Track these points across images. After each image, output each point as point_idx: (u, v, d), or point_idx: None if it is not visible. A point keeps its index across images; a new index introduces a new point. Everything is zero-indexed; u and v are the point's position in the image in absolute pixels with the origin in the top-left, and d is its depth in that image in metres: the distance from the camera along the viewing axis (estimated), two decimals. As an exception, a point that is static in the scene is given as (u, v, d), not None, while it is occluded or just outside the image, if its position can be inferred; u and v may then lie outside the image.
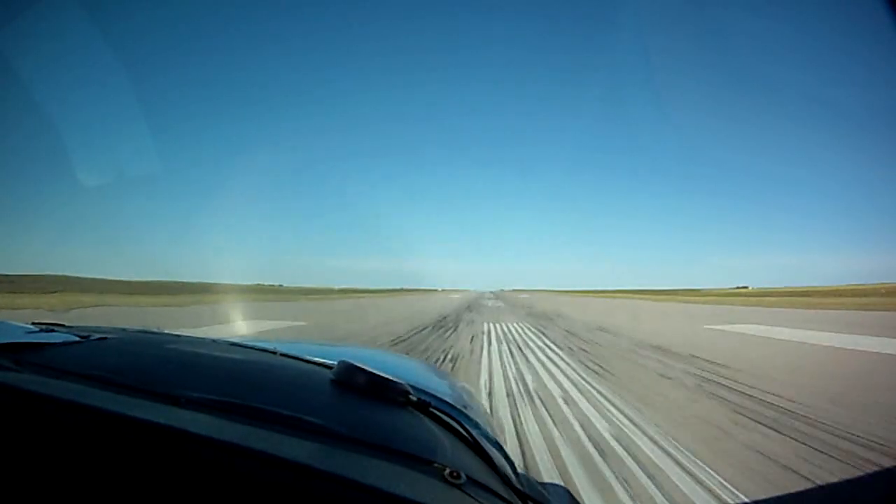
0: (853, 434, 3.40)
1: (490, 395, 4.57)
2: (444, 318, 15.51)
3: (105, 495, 0.39)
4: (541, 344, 8.62)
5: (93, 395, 0.50)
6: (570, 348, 8.04)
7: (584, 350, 7.83)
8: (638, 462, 2.90)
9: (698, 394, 4.75)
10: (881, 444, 3.18)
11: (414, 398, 0.68)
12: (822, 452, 3.03)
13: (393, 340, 8.81)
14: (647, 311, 22.33)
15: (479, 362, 6.48)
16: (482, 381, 5.15)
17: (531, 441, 3.25)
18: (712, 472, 2.70)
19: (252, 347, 0.97)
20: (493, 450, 0.70)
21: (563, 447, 3.16)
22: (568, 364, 6.42)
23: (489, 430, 0.89)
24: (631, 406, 4.20)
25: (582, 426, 3.61)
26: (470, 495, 0.48)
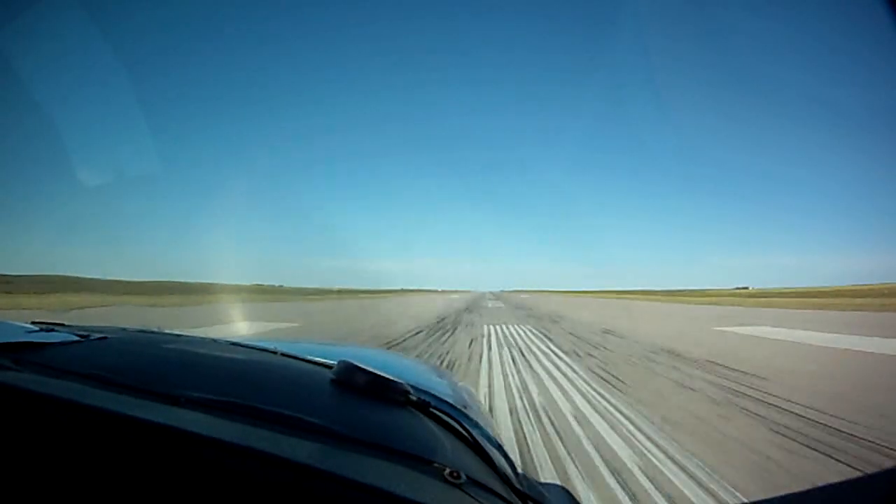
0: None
1: (490, 410, 3.97)
2: (443, 319, 14.98)
3: (105, 495, 0.38)
4: (544, 349, 8.03)
5: (93, 395, 0.50)
6: (576, 353, 7.44)
7: (591, 356, 7.23)
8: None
9: (729, 409, 4.15)
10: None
11: (414, 398, 0.68)
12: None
13: (387, 344, 8.25)
14: (650, 312, 21.74)
15: (478, 371, 5.88)
16: (481, 395, 4.55)
17: (543, 478, 2.65)
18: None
19: (252, 347, 0.96)
20: (493, 450, 0.70)
21: (583, 488, 2.55)
22: (576, 373, 5.82)
23: (489, 430, 0.88)
24: (655, 427, 3.59)
25: (601, 455, 3.01)
26: (470, 495, 0.48)
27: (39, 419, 0.42)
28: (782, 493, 0.54)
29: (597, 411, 4.03)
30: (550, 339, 9.45)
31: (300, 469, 0.41)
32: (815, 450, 3.13)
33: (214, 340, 1.02)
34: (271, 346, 0.95)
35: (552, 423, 3.62)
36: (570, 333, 10.75)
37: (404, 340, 8.97)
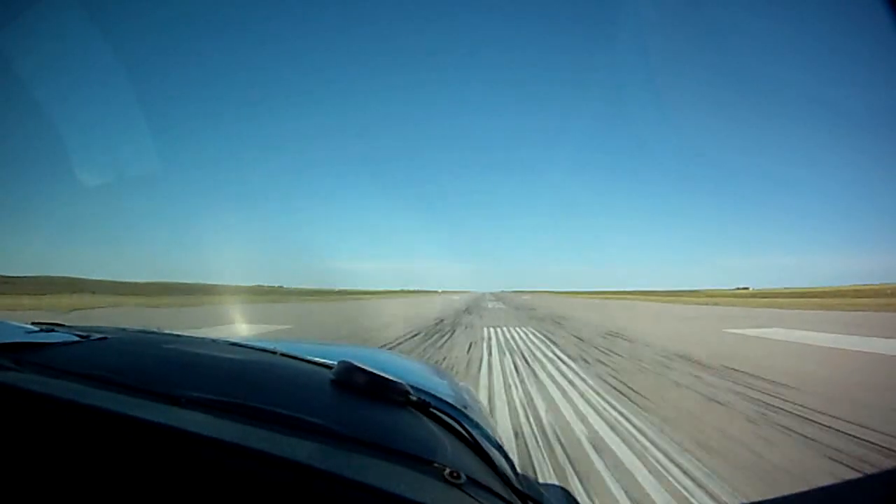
0: None
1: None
2: (441, 321, 14.42)
3: (105, 495, 0.38)
4: (550, 354, 7.42)
5: (93, 395, 0.50)
6: (584, 360, 6.84)
7: (600, 362, 6.63)
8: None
9: (770, 430, 3.54)
10: None
11: (414, 398, 0.68)
12: None
13: (380, 348, 7.66)
14: (653, 313, 21.13)
15: (477, 380, 5.28)
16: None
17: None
18: None
19: (252, 347, 0.96)
20: (493, 450, 0.70)
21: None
22: (585, 382, 5.22)
23: (489, 430, 0.88)
24: (688, 455, 2.99)
25: (630, 497, 2.41)
26: (470, 495, 0.48)
27: (40, 419, 0.42)
28: (782, 493, 0.49)
29: (618, 434, 3.42)
30: (554, 343, 8.85)
31: (300, 469, 0.41)
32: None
33: (214, 341, 1.01)
34: (271, 347, 0.94)
35: (566, 454, 3.01)
36: (575, 336, 10.14)
37: (399, 344, 8.38)
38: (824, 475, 2.67)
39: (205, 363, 0.80)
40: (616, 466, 2.80)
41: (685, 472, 2.71)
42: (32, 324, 0.90)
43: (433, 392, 0.83)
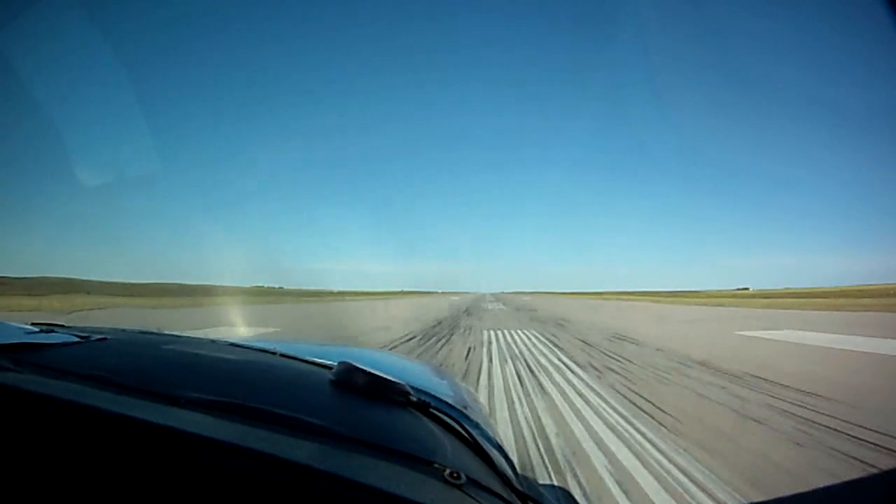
0: None
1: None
2: (439, 323, 13.88)
3: (105, 495, 0.38)
4: (555, 360, 6.84)
5: (93, 396, 0.50)
6: (592, 366, 6.26)
7: (611, 370, 6.04)
8: None
9: (828, 459, 2.96)
10: None
11: (414, 398, 0.68)
12: None
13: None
14: (659, 314, 20.54)
15: (475, 390, 4.70)
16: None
17: None
18: None
19: (252, 348, 0.96)
20: (494, 450, 0.70)
21: None
22: (598, 394, 4.64)
23: (489, 430, 0.86)
24: (738, 496, 2.41)
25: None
26: (470, 496, 0.48)
27: (40, 420, 0.42)
28: (782, 494, 0.51)
29: (643, 464, 2.84)
30: (559, 348, 8.27)
31: (300, 469, 0.41)
32: None
33: (213, 341, 1.02)
34: (271, 347, 0.94)
35: (584, 494, 2.43)
36: (580, 340, 9.56)
37: (394, 348, 7.81)
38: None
39: (204, 364, 0.80)
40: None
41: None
42: (32, 324, 0.90)
43: (433, 392, 0.83)
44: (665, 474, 2.70)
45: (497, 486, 0.55)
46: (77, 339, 0.80)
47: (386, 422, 0.62)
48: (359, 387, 0.67)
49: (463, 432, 0.66)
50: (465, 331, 11.35)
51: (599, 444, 3.21)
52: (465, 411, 0.83)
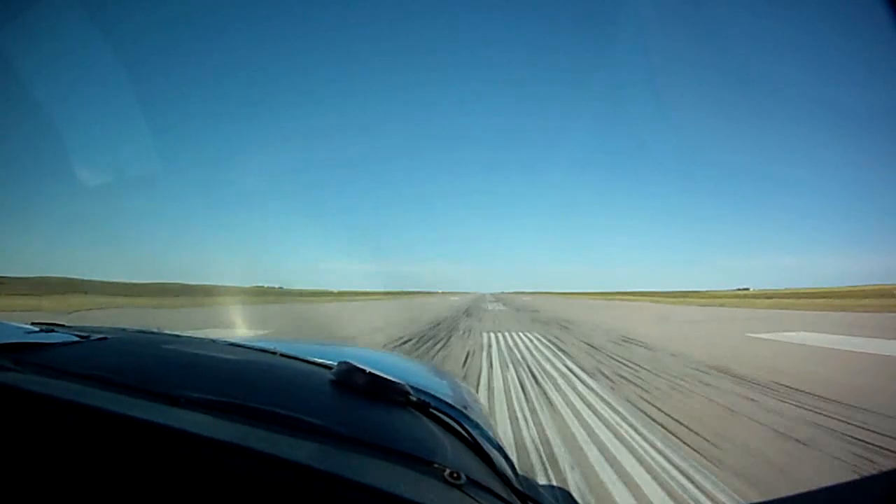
0: None
1: None
2: (437, 325, 13.33)
3: (105, 495, 0.38)
4: (561, 367, 6.27)
5: (93, 395, 0.50)
6: (602, 374, 5.70)
7: (623, 378, 5.48)
8: None
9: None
10: None
11: (414, 398, 0.68)
12: None
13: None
14: (663, 315, 19.98)
15: (474, 406, 4.13)
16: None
17: None
18: None
19: (252, 347, 0.96)
20: (494, 450, 0.70)
21: None
22: (615, 410, 4.07)
23: (489, 430, 0.87)
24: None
25: None
26: (470, 496, 0.48)
27: (40, 419, 0.42)
28: (783, 494, 0.51)
29: (682, 508, 2.28)
30: (564, 352, 7.71)
31: (300, 469, 0.41)
32: None
33: (213, 341, 1.01)
34: (271, 347, 0.93)
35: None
36: (586, 343, 9.00)
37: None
38: None
39: (204, 363, 0.80)
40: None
41: None
42: (32, 324, 0.90)
43: (433, 392, 0.83)
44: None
45: (497, 487, 0.56)
46: (77, 339, 0.80)
47: (386, 422, 0.62)
48: (359, 387, 0.67)
49: (463, 432, 0.66)
50: (464, 333, 10.79)
51: (629, 483, 2.62)
52: (465, 411, 0.82)
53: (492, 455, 0.65)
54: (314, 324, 14.82)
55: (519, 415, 3.92)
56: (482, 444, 0.65)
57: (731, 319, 16.69)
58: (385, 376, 0.67)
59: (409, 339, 9.41)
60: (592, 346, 8.48)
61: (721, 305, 29.54)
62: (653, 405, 4.19)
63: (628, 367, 6.29)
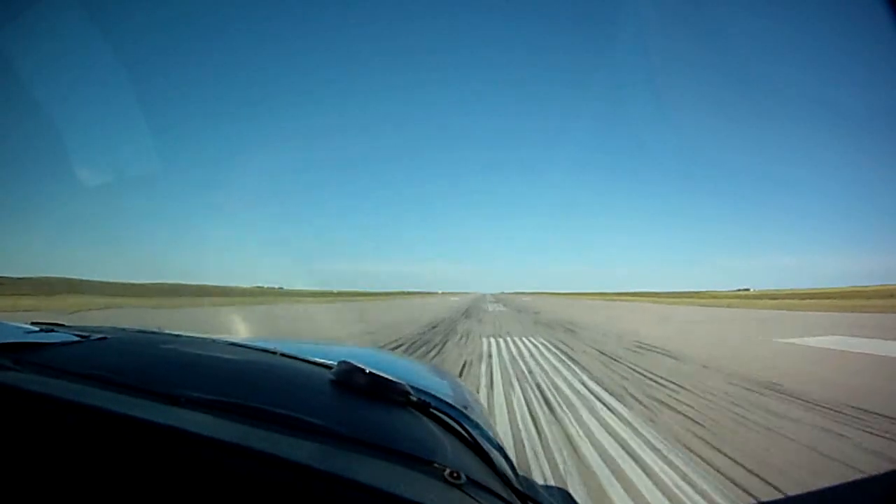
0: None
1: None
2: (434, 327, 12.36)
3: (105, 495, 0.38)
4: (577, 384, 5.14)
5: (93, 395, 0.50)
6: (631, 395, 4.57)
7: (658, 402, 4.35)
8: None
9: None
10: None
11: (414, 398, 0.68)
12: None
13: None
14: (672, 317, 18.85)
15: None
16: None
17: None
18: None
19: (252, 347, 0.96)
20: (494, 450, 0.69)
21: None
22: (665, 460, 2.95)
23: (489, 430, 0.86)
24: None
25: None
26: (470, 496, 0.48)
27: (40, 419, 0.42)
28: (783, 494, 0.77)
29: None
30: (575, 362, 6.59)
31: (300, 469, 0.41)
32: None
33: (214, 341, 1.01)
34: (271, 347, 0.94)
35: None
36: (598, 351, 7.88)
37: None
38: None
39: (204, 363, 0.80)
40: None
41: None
42: (32, 324, 0.90)
43: (433, 392, 0.83)
44: None
45: (497, 486, 0.55)
46: (77, 339, 0.80)
47: (386, 422, 0.62)
48: (359, 387, 0.67)
49: (463, 432, 0.66)
50: (461, 338, 9.69)
51: None
52: (465, 411, 0.82)
53: (492, 455, 0.65)
54: (303, 325, 13.81)
55: (526, 455, 2.79)
56: (482, 444, 0.66)
57: (747, 321, 15.60)
58: (385, 376, 0.68)
59: (403, 344, 8.37)
60: (606, 355, 7.37)
61: (728, 307, 28.44)
62: (719, 451, 3.03)
63: (658, 383, 5.16)
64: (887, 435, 3.32)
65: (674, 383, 5.16)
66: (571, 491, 2.34)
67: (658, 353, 7.71)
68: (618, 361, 6.77)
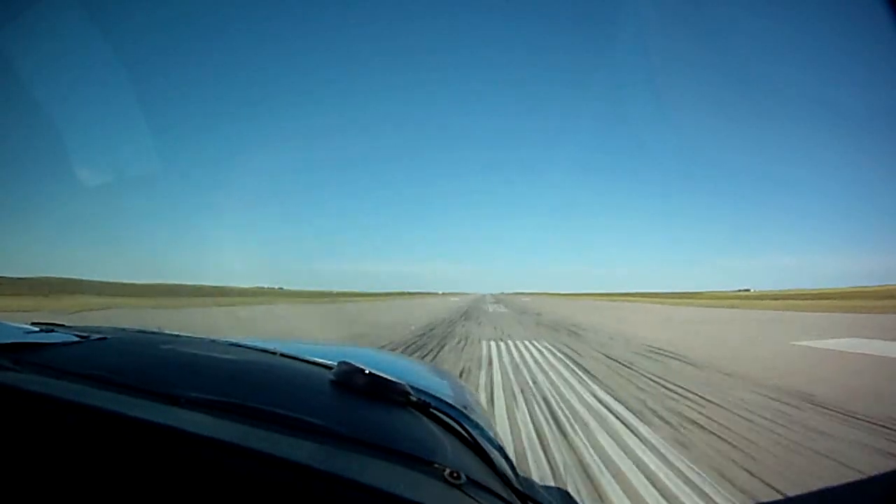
0: None
1: None
2: (432, 329, 11.88)
3: (105, 495, 0.38)
4: (590, 399, 4.59)
5: (93, 395, 0.50)
6: (653, 412, 4.03)
7: (687, 420, 3.80)
8: None
9: None
10: None
11: (414, 398, 0.67)
12: None
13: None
14: (677, 319, 18.31)
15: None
16: None
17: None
18: None
19: (252, 347, 0.95)
20: (494, 450, 0.69)
21: None
22: (688, 479, 2.41)
23: (490, 430, 0.85)
24: None
25: None
26: (470, 496, 0.48)
27: (40, 419, 0.42)
28: (783, 495, 0.79)
29: None
30: (585, 370, 6.05)
31: (300, 469, 0.41)
32: None
33: (214, 341, 1.01)
34: (271, 347, 0.93)
35: None
36: (605, 356, 7.35)
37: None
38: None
39: (204, 363, 0.80)
40: None
41: None
42: (32, 324, 0.89)
43: (433, 392, 0.82)
44: None
45: (497, 486, 0.55)
46: (77, 339, 0.80)
47: (386, 422, 0.62)
48: (359, 387, 0.67)
49: (463, 432, 0.66)
50: (459, 341, 9.16)
51: None
52: (465, 411, 0.82)
53: (492, 455, 0.65)
54: (290, 324, 13.31)
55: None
56: (482, 444, 0.66)
57: (754, 323, 15.08)
58: (385, 376, 0.67)
59: (396, 348, 7.85)
60: (615, 361, 6.83)
61: (731, 307, 27.90)
62: (769, 485, 2.49)
63: (679, 395, 4.62)
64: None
65: (696, 394, 4.62)
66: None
67: (671, 357, 7.18)
68: (629, 368, 6.23)
